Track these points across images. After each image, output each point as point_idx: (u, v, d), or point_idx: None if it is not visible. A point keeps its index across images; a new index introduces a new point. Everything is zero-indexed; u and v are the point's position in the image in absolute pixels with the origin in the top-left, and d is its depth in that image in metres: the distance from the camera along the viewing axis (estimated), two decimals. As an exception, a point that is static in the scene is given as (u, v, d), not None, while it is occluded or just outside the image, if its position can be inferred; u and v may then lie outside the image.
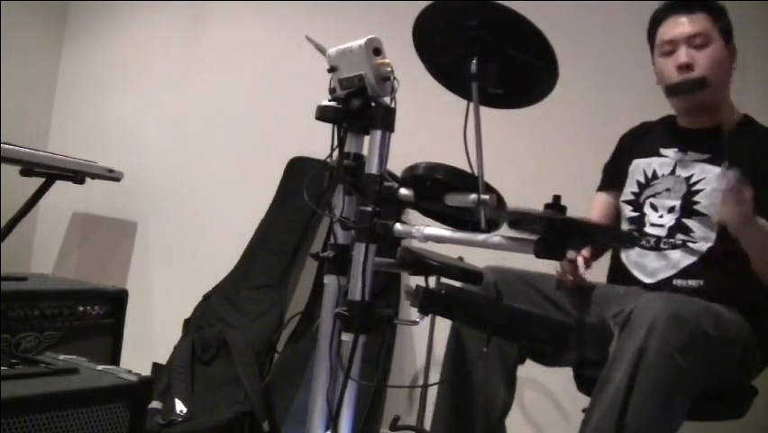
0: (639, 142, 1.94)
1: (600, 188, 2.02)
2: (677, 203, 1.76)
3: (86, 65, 3.62)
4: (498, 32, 1.31)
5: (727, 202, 1.51)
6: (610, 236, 1.68)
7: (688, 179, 1.77)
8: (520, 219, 1.23)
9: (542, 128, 2.58)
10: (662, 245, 1.75)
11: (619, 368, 1.41)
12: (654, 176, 1.83)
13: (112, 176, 2.83)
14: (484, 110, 1.33)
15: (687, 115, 1.86)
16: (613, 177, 1.98)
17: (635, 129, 2.00)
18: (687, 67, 1.75)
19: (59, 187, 2.71)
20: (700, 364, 1.42)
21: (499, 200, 1.30)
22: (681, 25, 1.76)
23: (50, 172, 2.65)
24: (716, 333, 1.45)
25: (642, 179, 1.86)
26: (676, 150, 1.83)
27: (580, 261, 1.73)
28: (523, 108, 1.46)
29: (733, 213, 1.51)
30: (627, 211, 1.87)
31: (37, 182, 2.68)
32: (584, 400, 1.56)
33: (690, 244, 1.72)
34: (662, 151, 1.85)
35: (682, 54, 1.75)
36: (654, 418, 1.38)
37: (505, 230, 1.29)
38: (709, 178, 1.73)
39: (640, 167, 1.88)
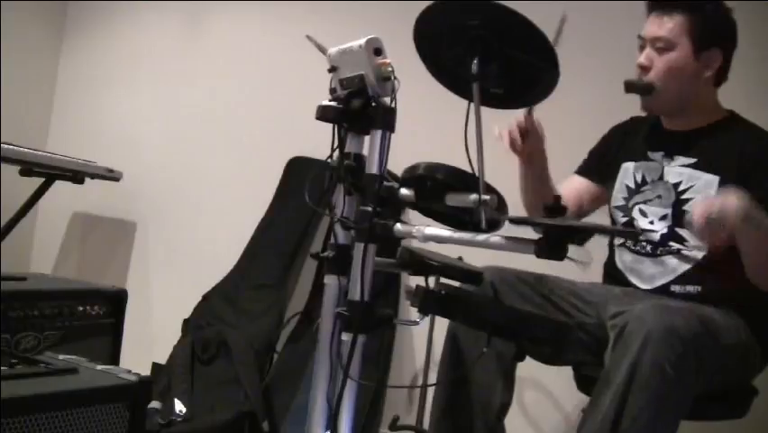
0: (628, 139, 1.92)
1: (578, 171, 2.00)
2: (668, 211, 1.75)
3: (86, 65, 3.61)
4: (498, 32, 1.32)
5: (703, 236, 1.51)
6: (611, 234, 1.68)
7: (676, 186, 1.75)
8: (521, 220, 1.24)
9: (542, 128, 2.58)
10: (658, 252, 1.74)
11: (613, 382, 1.40)
12: (644, 181, 1.81)
13: (111, 176, 2.83)
14: (485, 110, 1.33)
15: (665, 117, 1.85)
16: (594, 164, 1.97)
17: (625, 123, 1.98)
18: (643, 68, 1.75)
19: (59, 187, 2.71)
20: (695, 376, 1.41)
21: (500, 201, 1.30)
22: (651, 25, 1.75)
23: (50, 172, 2.65)
24: (712, 342, 1.44)
25: (631, 185, 1.84)
26: (663, 154, 1.81)
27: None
28: (523, 108, 1.46)
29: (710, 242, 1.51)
30: (619, 217, 1.86)
31: (36, 182, 2.68)
32: (584, 401, 1.56)
33: (685, 252, 1.71)
34: (650, 154, 1.83)
35: (643, 54, 1.76)
36: (647, 430, 1.37)
37: (505, 230, 1.29)
38: (698, 186, 1.72)
39: (629, 171, 1.85)
